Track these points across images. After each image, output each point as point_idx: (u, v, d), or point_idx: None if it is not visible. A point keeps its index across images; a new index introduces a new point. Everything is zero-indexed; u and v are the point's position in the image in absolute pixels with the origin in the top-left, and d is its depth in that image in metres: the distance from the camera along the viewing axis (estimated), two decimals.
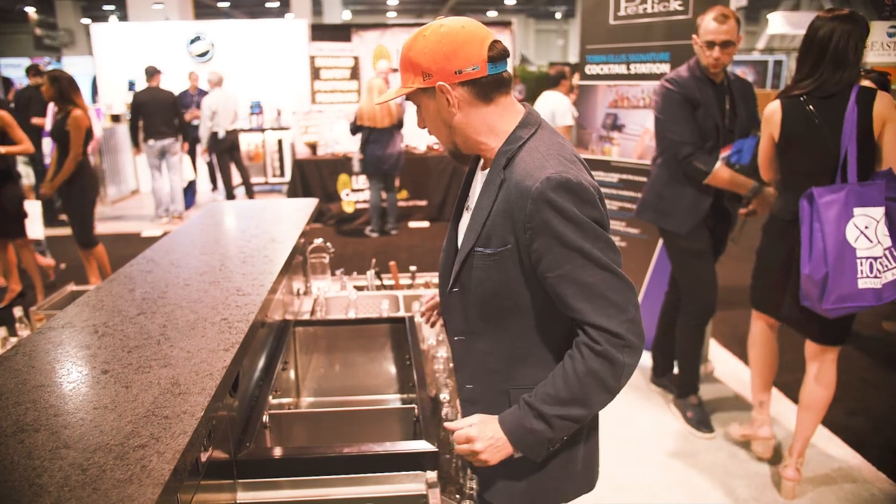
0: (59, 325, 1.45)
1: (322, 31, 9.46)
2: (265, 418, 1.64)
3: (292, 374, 2.24)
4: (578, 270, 1.16)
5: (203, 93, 8.21)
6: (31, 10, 19.63)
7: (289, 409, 2.01)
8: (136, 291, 1.67)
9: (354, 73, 9.16)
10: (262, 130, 9.06)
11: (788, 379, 3.54)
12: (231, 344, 1.32)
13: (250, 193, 8.28)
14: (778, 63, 13.14)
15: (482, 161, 1.37)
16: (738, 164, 2.88)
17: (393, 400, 2.14)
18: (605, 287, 1.17)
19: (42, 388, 1.16)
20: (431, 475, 1.45)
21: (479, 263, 1.26)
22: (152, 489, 0.86)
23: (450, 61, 1.22)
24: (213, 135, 7.44)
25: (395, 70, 9.67)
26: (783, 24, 11.81)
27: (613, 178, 3.86)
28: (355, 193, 7.80)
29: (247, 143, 9.21)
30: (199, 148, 7.76)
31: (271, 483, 1.44)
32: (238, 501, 1.42)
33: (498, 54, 1.23)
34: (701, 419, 3.12)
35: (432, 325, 1.64)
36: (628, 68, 3.65)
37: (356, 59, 9.18)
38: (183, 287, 1.69)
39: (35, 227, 5.07)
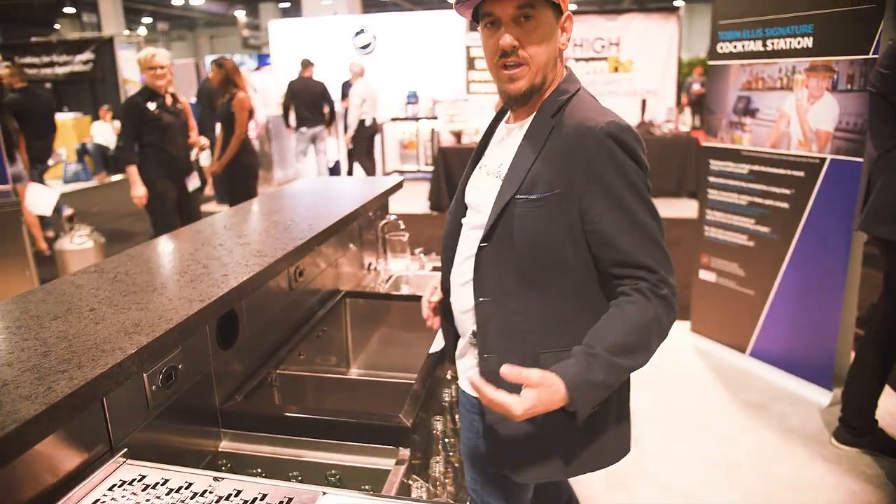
0: (92, 270, 1.61)
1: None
2: (273, 378, 1.70)
3: (346, 343, 2.29)
4: (637, 211, 1.14)
5: None
6: (240, 14, 22.15)
7: (334, 373, 2.06)
8: (177, 246, 1.80)
9: None
10: (416, 119, 9.37)
11: None
12: (209, 297, 1.37)
13: None
14: None
15: (510, 115, 1.33)
16: None
17: None
18: (657, 234, 1.16)
19: (37, 318, 1.29)
20: (404, 452, 1.40)
21: (522, 211, 1.18)
22: (36, 407, 0.92)
23: None
24: (361, 122, 7.84)
25: None
26: None
27: (743, 169, 3.44)
28: None
29: (401, 131, 9.59)
30: (347, 135, 8.21)
31: (253, 437, 1.48)
32: (221, 448, 1.48)
33: None
34: None
35: (438, 327, 1.48)
36: (764, 45, 3.22)
37: None
38: (215, 247, 1.80)
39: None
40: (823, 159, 3.01)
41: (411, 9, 10.01)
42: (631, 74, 9.16)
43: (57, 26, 21.01)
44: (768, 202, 3.33)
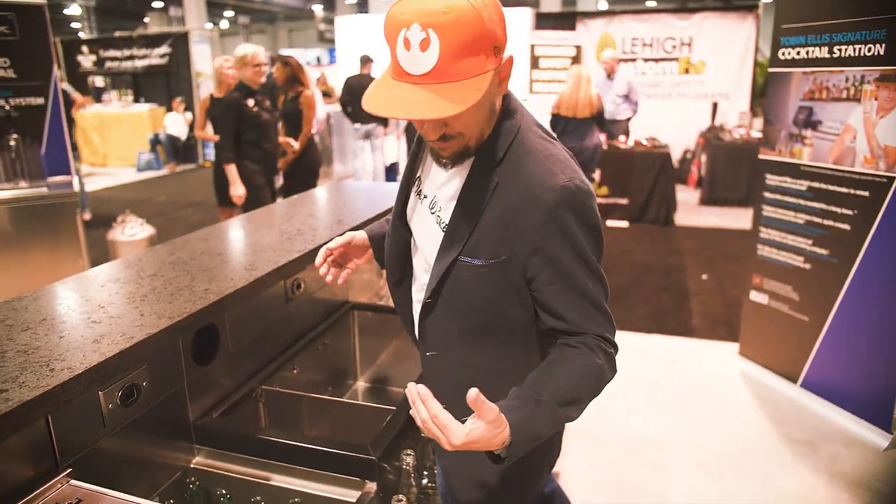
0: (92, 275, 1.62)
1: (545, 20, 9.36)
2: (259, 393, 1.67)
3: (353, 357, 2.26)
4: (585, 282, 1.08)
5: None
6: (317, 8, 22.64)
7: (334, 388, 2.02)
8: (176, 254, 1.80)
9: (576, 63, 8.90)
10: None
11: None
12: (180, 314, 1.35)
13: None
14: None
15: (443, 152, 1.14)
16: None
17: None
18: (602, 298, 1.11)
19: (11, 327, 1.30)
20: (370, 486, 1.34)
21: (465, 275, 1.11)
22: None
23: (506, 28, 1.03)
24: None
25: (622, 60, 9.18)
26: None
27: (801, 185, 3.18)
28: None
29: None
30: (398, 129, 8.21)
31: (226, 455, 1.46)
32: (193, 465, 1.46)
33: None
34: None
35: (334, 280, 1.40)
36: (830, 51, 2.95)
37: (578, 48, 8.91)
38: (212, 256, 1.79)
39: None
40: (892, 178, 2.74)
41: None
42: (702, 76, 8.77)
43: (146, 20, 22.08)
44: (828, 222, 3.07)
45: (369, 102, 0.99)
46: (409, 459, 1.37)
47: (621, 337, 3.94)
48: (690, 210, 7.45)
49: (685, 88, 8.92)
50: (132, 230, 4.21)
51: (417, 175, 1.24)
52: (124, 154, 10.80)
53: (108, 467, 1.23)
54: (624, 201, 7.41)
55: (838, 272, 3.02)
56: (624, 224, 7.20)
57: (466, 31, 0.93)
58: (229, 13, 24.47)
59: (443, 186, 1.16)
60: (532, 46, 8.84)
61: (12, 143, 3.98)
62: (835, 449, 2.86)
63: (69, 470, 1.11)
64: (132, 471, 1.30)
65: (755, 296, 3.51)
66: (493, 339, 1.15)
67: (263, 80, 4.11)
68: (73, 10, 19.75)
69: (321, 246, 1.86)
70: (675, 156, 8.65)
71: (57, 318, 1.34)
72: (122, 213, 4.46)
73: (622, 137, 7.48)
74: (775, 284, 3.38)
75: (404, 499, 1.27)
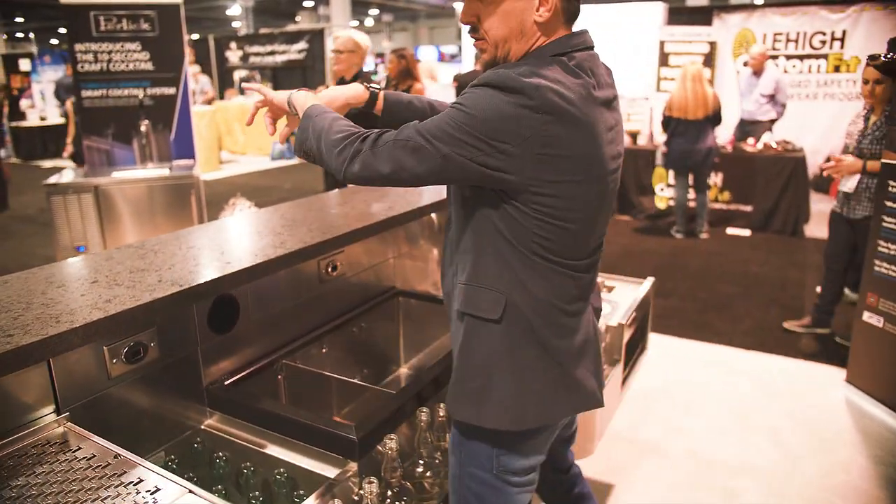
0: (137, 245, 1.77)
1: (679, 15, 8.88)
2: (279, 367, 1.74)
3: (395, 342, 2.29)
4: (445, 117, 1.11)
5: None
6: (459, 7, 23.03)
7: (377, 370, 2.07)
8: (221, 230, 1.92)
9: (709, 60, 8.36)
10: None
11: None
12: (188, 282, 1.44)
13: None
14: None
15: None
16: None
17: None
18: (425, 132, 1.12)
19: (50, 284, 1.46)
20: (351, 465, 1.36)
21: None
22: None
23: None
24: None
25: (770, 57, 8.48)
26: None
27: None
28: (671, 189, 7.22)
29: None
30: None
31: (234, 421, 1.54)
32: (203, 426, 1.56)
33: None
34: None
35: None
36: None
37: (712, 44, 8.37)
38: (252, 234, 1.89)
39: None
40: None
41: (607, 1, 9.58)
42: (855, 75, 7.89)
43: (298, 18, 23.61)
44: None
45: None
46: (391, 444, 1.37)
47: (714, 350, 3.68)
48: (827, 221, 6.75)
49: (834, 88, 8.10)
50: (240, 212, 4.54)
51: None
52: (261, 144, 11.64)
53: (115, 419, 1.35)
54: (747, 208, 6.88)
55: None
56: (745, 233, 6.68)
57: None
58: (374, 11, 25.57)
59: None
60: (662, 43, 8.42)
61: (143, 128, 4.44)
62: None
63: (67, 413, 1.23)
64: (141, 425, 1.42)
65: (868, 317, 3.12)
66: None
67: (336, 67, 3.63)
68: (235, 10, 21.58)
69: (356, 230, 1.91)
70: (818, 162, 7.87)
71: (88, 278, 1.49)
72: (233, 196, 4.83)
73: (750, 140, 6.95)
74: (892, 306, 2.99)
75: (375, 481, 1.26)
